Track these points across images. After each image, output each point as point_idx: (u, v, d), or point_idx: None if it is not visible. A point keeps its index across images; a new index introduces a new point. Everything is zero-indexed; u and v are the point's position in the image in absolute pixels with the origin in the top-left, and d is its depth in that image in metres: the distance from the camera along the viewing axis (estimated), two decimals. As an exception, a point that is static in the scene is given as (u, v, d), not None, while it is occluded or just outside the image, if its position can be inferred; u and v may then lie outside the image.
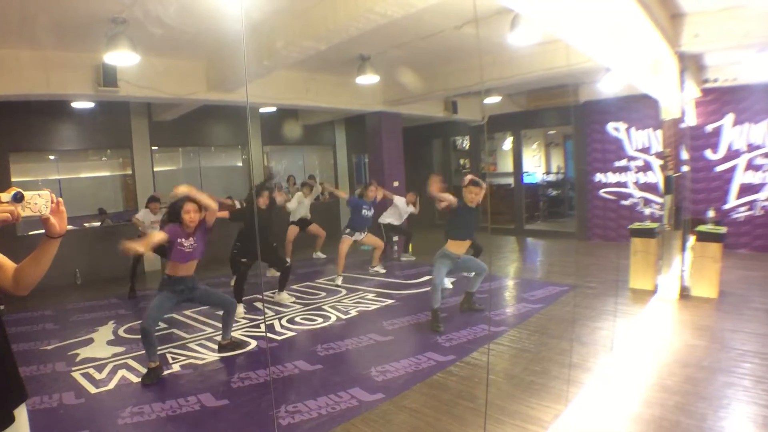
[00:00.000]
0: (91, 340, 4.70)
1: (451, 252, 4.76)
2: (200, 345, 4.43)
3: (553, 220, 12.05)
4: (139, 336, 3.74)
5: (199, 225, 3.87)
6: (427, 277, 6.20)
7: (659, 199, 7.80)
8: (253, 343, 4.43)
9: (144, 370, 3.76)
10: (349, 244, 6.79)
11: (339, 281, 6.63)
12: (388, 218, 7.74)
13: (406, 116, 9.19)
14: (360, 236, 6.90)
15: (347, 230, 6.85)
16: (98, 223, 8.17)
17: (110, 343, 4.61)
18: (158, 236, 3.71)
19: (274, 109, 9.12)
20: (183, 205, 3.80)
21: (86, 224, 8.08)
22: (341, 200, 10.07)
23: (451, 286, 6.15)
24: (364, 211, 6.77)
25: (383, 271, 7.26)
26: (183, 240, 3.80)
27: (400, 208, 7.72)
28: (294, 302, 5.78)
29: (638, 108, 8.22)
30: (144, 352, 3.76)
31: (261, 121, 9.96)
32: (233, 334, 4.45)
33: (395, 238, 8.15)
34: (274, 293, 5.90)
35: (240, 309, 5.27)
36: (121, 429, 2.99)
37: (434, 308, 4.68)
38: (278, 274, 5.80)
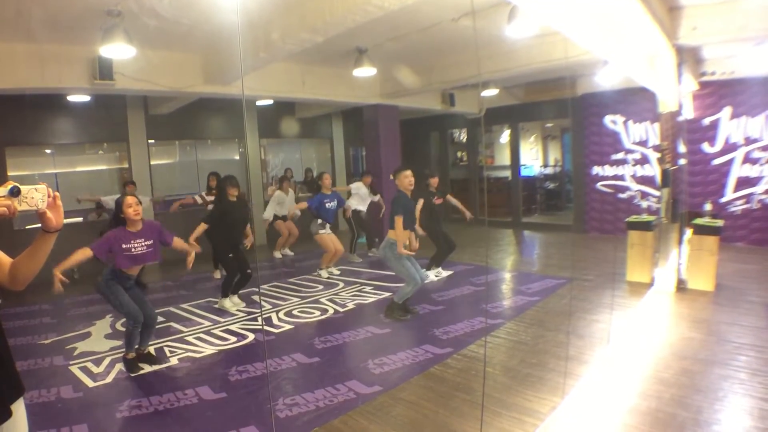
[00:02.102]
0: (89, 334, 4.69)
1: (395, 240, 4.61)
2: (198, 338, 4.43)
3: (550, 213, 12.09)
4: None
5: (156, 233, 3.68)
6: (423, 270, 6.18)
7: (656, 192, 7.81)
8: (251, 336, 4.44)
9: (141, 365, 3.78)
10: (330, 237, 6.58)
11: (324, 274, 6.63)
12: (354, 204, 7.59)
13: (403, 109, 9.16)
14: (328, 229, 6.62)
15: (318, 224, 6.50)
16: (96, 217, 8.14)
17: (108, 336, 4.61)
18: (81, 254, 3.34)
19: (270, 102, 9.09)
20: (123, 201, 3.54)
21: (78, 219, 8.05)
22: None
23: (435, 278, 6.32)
24: (327, 204, 6.48)
25: (337, 272, 6.84)
26: (131, 242, 3.52)
27: (361, 194, 7.62)
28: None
29: (636, 101, 8.21)
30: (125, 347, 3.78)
31: (258, 114, 9.91)
32: (231, 327, 4.42)
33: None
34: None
35: (227, 303, 5.28)
36: (119, 422, 3.00)
37: (399, 303, 4.79)
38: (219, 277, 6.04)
